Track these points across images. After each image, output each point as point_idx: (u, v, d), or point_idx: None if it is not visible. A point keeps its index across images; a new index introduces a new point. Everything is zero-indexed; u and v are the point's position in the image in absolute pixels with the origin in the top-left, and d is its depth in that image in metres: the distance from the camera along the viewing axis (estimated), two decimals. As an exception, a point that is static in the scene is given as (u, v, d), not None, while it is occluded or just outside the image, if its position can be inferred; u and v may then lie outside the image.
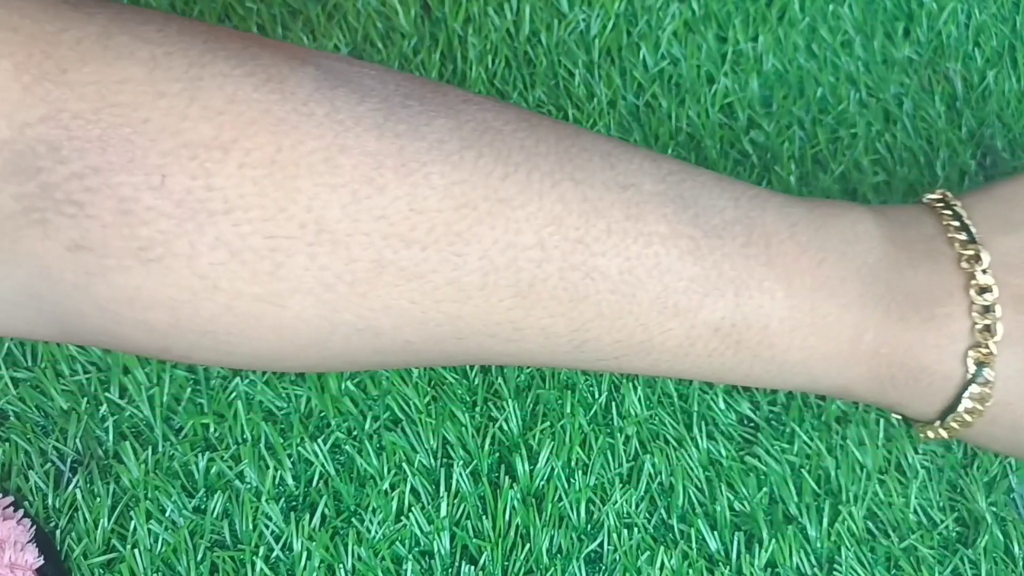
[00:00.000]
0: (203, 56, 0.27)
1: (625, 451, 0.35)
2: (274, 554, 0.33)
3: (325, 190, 0.26)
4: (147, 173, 0.26)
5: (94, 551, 0.33)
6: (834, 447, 0.36)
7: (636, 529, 0.34)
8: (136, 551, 0.33)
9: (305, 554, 0.33)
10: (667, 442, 0.36)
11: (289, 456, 0.35)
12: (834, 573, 0.34)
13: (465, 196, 0.27)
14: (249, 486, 0.34)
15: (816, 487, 0.35)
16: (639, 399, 0.36)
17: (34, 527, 0.32)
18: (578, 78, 0.43)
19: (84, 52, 0.26)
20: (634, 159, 0.30)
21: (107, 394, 0.36)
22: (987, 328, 0.29)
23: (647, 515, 0.35)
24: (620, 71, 0.44)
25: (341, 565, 0.33)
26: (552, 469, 0.35)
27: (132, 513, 0.34)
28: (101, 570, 0.33)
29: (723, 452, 0.36)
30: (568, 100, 0.43)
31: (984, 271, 0.29)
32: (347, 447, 0.35)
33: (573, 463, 0.35)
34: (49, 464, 0.35)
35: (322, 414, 0.36)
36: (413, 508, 0.34)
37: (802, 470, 0.35)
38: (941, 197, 0.31)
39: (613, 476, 0.35)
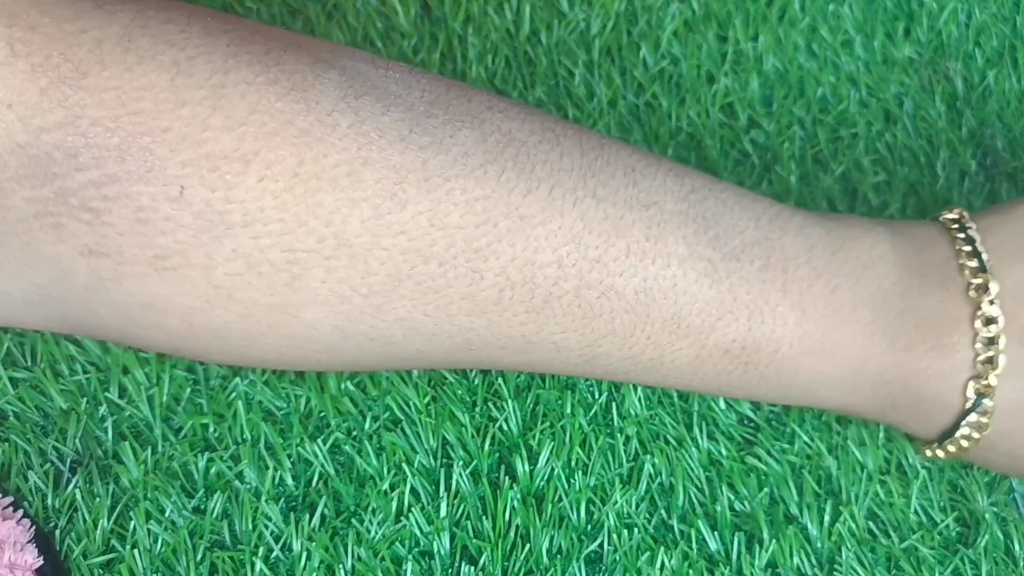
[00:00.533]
0: (226, 61, 0.26)
1: (625, 451, 0.35)
2: (274, 554, 0.33)
3: (346, 204, 0.26)
4: (166, 184, 0.25)
5: (94, 551, 0.33)
6: (835, 447, 0.36)
7: (636, 529, 0.34)
8: (135, 551, 0.33)
9: (305, 554, 0.33)
10: (667, 442, 0.36)
11: (289, 456, 0.35)
12: (835, 573, 0.34)
13: (487, 212, 0.27)
14: (249, 486, 0.34)
15: (817, 487, 0.35)
16: (639, 399, 0.36)
17: (34, 527, 0.32)
18: (578, 78, 0.43)
19: (104, 55, 0.25)
20: (657, 174, 0.29)
21: (106, 394, 0.36)
22: (989, 360, 0.29)
23: (647, 515, 0.35)
24: (620, 71, 0.44)
25: (341, 565, 0.33)
26: (552, 469, 0.35)
27: (132, 513, 0.34)
28: (101, 570, 0.33)
29: (723, 452, 0.36)
30: (568, 100, 0.43)
31: (991, 302, 0.29)
32: (347, 447, 0.35)
33: (573, 463, 0.35)
34: (49, 464, 0.35)
35: (322, 414, 0.36)
36: (413, 508, 0.34)
37: (803, 470, 0.35)
38: (958, 217, 0.31)
39: (613, 476, 0.35)
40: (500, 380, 0.36)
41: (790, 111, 0.43)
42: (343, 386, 0.36)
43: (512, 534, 0.34)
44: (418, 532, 0.34)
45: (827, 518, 0.35)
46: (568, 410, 0.36)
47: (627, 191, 0.28)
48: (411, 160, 0.26)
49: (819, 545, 0.34)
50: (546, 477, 0.35)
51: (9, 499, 0.33)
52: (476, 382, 0.36)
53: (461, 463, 0.35)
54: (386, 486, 0.34)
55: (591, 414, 0.36)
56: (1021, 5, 0.46)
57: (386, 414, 0.36)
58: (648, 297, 0.28)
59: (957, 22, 0.45)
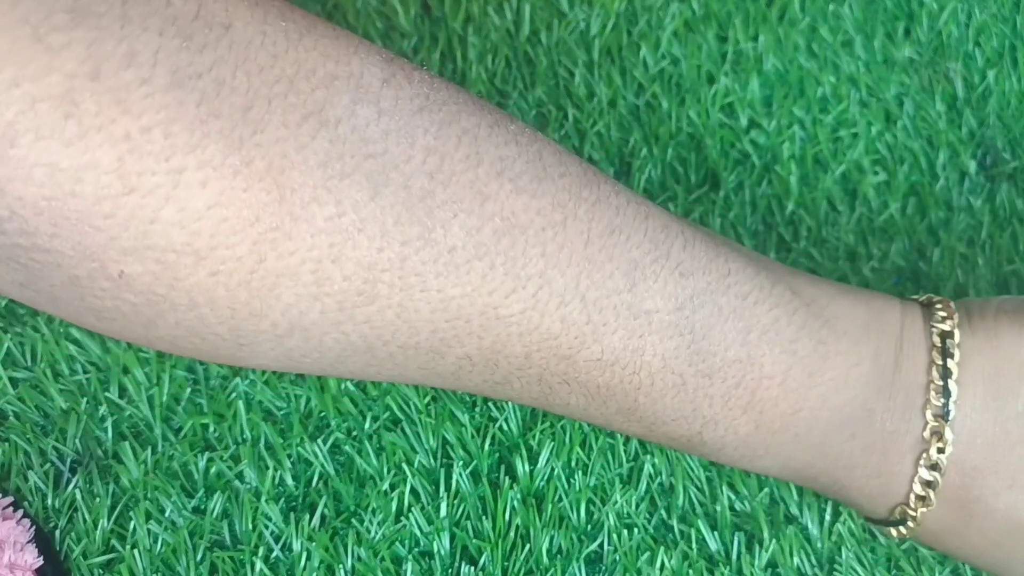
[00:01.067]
0: (192, 135, 0.21)
1: (625, 451, 0.35)
2: (274, 554, 0.33)
3: (307, 300, 0.24)
4: (103, 266, 0.22)
5: (93, 551, 0.33)
6: (834, 447, 0.36)
7: (636, 529, 0.34)
8: (135, 551, 0.33)
9: (305, 554, 0.33)
10: (667, 442, 0.36)
11: (289, 456, 0.35)
12: (834, 573, 0.34)
13: (461, 310, 0.25)
14: (249, 486, 0.34)
15: (816, 487, 0.35)
16: (639, 399, 0.36)
17: (33, 527, 0.32)
18: (578, 78, 0.43)
19: (40, 121, 0.20)
20: (660, 275, 0.26)
21: (106, 394, 0.36)
22: (922, 499, 0.29)
23: (647, 515, 0.35)
24: (620, 71, 0.44)
25: (341, 565, 0.33)
26: (552, 469, 0.35)
27: (131, 513, 0.34)
28: (100, 570, 0.33)
29: (723, 452, 0.36)
30: (568, 100, 0.43)
31: (940, 450, 0.28)
32: (347, 447, 0.35)
33: (573, 463, 0.35)
34: (48, 464, 0.35)
35: (322, 414, 0.36)
36: (413, 508, 0.34)
37: (802, 470, 0.35)
38: (949, 331, 0.29)
39: (613, 476, 0.35)
40: (500, 380, 0.36)
41: (790, 111, 0.43)
42: (343, 386, 0.36)
43: (512, 534, 0.34)
44: (418, 532, 0.34)
45: (827, 518, 0.35)
46: (568, 410, 0.36)
47: (620, 296, 0.26)
48: (389, 258, 0.24)
49: (819, 545, 0.34)
50: (546, 477, 0.35)
51: (9, 499, 0.33)
52: (476, 382, 0.36)
53: (461, 463, 0.35)
54: (386, 486, 0.34)
55: (591, 414, 0.36)
56: (1021, 5, 0.46)
57: (386, 414, 0.36)
58: (609, 392, 0.27)
59: (957, 22, 0.45)
